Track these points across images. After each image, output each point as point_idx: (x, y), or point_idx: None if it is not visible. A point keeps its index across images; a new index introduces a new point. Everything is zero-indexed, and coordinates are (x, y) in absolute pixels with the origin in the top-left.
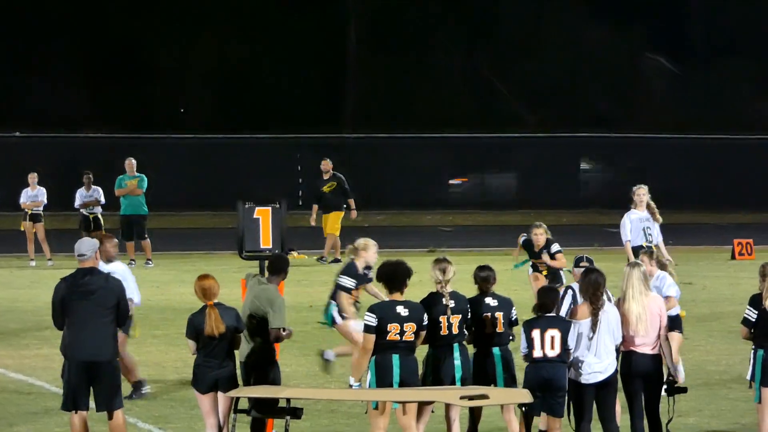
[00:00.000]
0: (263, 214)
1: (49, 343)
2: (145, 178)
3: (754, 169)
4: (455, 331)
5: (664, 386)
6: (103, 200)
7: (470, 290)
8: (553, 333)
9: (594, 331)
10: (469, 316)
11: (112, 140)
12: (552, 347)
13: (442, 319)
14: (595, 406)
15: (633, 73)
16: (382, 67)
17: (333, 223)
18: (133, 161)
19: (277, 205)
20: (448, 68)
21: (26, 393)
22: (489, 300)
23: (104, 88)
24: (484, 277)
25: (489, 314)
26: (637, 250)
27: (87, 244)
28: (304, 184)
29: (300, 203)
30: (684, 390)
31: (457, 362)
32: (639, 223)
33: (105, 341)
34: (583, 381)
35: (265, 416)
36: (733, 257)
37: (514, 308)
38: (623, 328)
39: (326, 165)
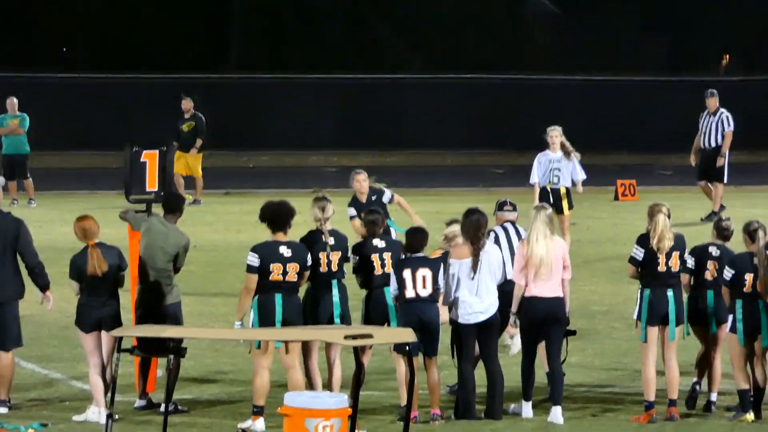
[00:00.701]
0: (150, 158)
1: None
2: (27, 117)
3: (637, 110)
4: (334, 268)
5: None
6: None
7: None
8: (424, 272)
9: (475, 272)
10: (349, 254)
11: None
12: (424, 286)
13: (322, 255)
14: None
15: (516, 16)
16: (265, 7)
17: (195, 164)
18: (15, 100)
19: (164, 148)
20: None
21: None
22: (376, 241)
23: None
24: (371, 221)
25: (377, 255)
26: (543, 192)
27: None
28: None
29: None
30: (573, 333)
31: (336, 299)
32: (548, 164)
33: (6, 282)
34: (463, 321)
35: (148, 355)
36: (616, 198)
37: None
38: (527, 271)
39: (187, 104)
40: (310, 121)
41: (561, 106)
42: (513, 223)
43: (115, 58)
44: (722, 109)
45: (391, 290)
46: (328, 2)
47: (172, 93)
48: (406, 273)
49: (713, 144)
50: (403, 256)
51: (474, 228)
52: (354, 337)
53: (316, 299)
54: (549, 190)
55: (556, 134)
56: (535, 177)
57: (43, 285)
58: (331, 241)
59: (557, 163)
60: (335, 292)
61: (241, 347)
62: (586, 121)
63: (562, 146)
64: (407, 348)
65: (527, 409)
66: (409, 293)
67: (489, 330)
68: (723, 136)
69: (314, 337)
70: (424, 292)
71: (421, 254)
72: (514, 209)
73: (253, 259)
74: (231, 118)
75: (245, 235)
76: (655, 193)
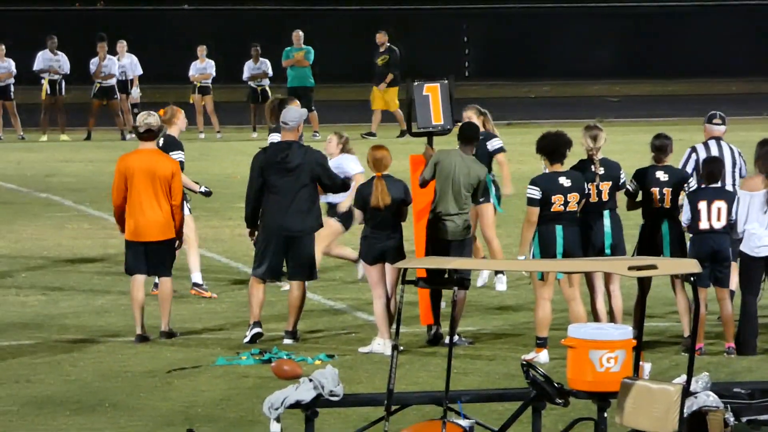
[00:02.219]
0: (432, 91)
1: (218, 216)
2: (312, 50)
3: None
4: (605, 198)
5: None
6: (270, 72)
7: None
8: (720, 204)
9: None
10: (621, 183)
11: (280, 12)
12: (719, 218)
13: (591, 186)
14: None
15: None
16: None
17: (391, 98)
18: (300, 33)
19: (446, 81)
20: None
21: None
22: (660, 174)
23: None
24: (658, 146)
25: (657, 189)
26: None
27: (293, 113)
28: (471, 55)
29: (466, 74)
30: None
31: (607, 229)
32: None
33: (303, 215)
34: (753, 254)
35: (433, 287)
36: None
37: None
38: None
39: (381, 38)
40: (590, 50)
41: None
42: (719, 139)
43: None
44: None
45: (683, 220)
46: None
47: (455, 23)
48: (702, 204)
49: None
50: (697, 186)
51: None
52: (638, 268)
53: (587, 229)
54: None
55: None
56: None
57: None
58: (601, 170)
59: None
60: (606, 222)
61: (525, 279)
62: None
63: None
64: (692, 279)
65: None
66: (704, 224)
67: None
68: None
69: (597, 269)
70: (719, 224)
71: (717, 185)
72: (723, 122)
73: (534, 192)
74: (509, 47)
75: (527, 167)
76: None
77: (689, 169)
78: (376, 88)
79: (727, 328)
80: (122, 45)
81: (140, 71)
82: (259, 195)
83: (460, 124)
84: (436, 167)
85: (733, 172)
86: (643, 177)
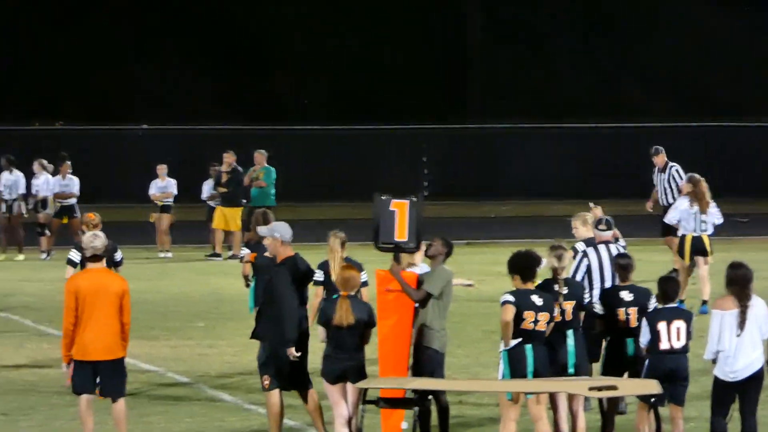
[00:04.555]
0: (400, 207)
1: (177, 335)
2: (272, 170)
3: None
4: (568, 317)
5: None
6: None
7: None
8: (679, 324)
9: (741, 329)
10: (585, 303)
11: (236, 132)
12: (678, 338)
13: (555, 305)
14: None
15: (756, 57)
16: (502, 57)
17: (233, 219)
18: (263, 153)
19: (414, 198)
20: (568, 56)
21: (158, 384)
22: (624, 294)
23: (227, 78)
24: (623, 265)
25: (623, 309)
26: None
27: (287, 228)
28: (430, 174)
29: (425, 194)
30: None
31: (571, 349)
32: None
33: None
34: (727, 380)
35: (393, 407)
36: None
37: (652, 299)
38: None
39: (229, 158)
40: (550, 170)
41: None
42: (607, 243)
43: (351, 108)
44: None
45: (642, 342)
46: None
47: (414, 143)
48: (661, 325)
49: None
50: (655, 306)
51: (742, 282)
52: (599, 389)
53: (551, 349)
54: None
55: None
56: None
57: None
58: (565, 290)
59: None
60: (570, 341)
61: (487, 398)
62: None
63: None
64: (652, 400)
65: None
66: (664, 345)
67: (752, 384)
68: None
69: (559, 389)
70: (678, 343)
71: (674, 304)
72: (609, 228)
73: (510, 298)
74: (469, 167)
75: (488, 287)
76: None
77: (579, 276)
78: (221, 207)
79: None
80: (40, 164)
81: (50, 192)
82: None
83: (427, 243)
84: (445, 286)
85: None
86: (610, 297)
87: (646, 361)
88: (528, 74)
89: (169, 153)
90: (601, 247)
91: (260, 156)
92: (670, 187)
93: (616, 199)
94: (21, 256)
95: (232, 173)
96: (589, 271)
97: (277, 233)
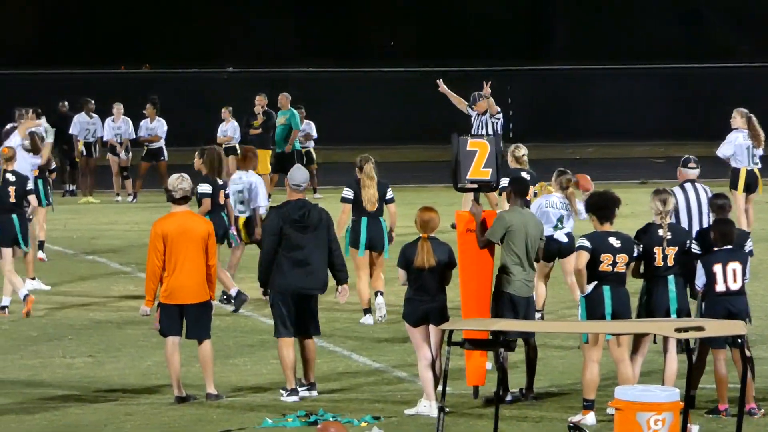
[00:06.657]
0: (479, 146)
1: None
2: (296, 114)
3: None
4: (670, 263)
5: None
6: (315, 134)
7: None
8: (735, 266)
9: None
10: (687, 248)
11: (317, 74)
12: (734, 280)
13: (657, 250)
14: None
15: None
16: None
17: (263, 162)
18: (287, 96)
19: (493, 136)
20: None
21: (244, 327)
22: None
23: (312, 21)
24: (720, 205)
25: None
26: None
27: (302, 175)
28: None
29: (510, 136)
30: None
31: (672, 294)
32: None
33: (320, 273)
34: None
35: (477, 348)
36: None
37: (749, 240)
38: None
39: (261, 100)
40: (634, 111)
41: None
42: (694, 181)
43: (434, 49)
44: None
45: (698, 285)
46: None
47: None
48: (717, 267)
49: None
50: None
51: None
52: (685, 330)
53: (651, 294)
54: None
55: None
56: None
57: (344, 279)
58: (669, 235)
59: None
60: (672, 287)
61: (571, 340)
62: None
63: None
64: (740, 341)
65: None
66: (720, 287)
67: None
68: None
69: (645, 330)
70: (735, 285)
71: (730, 246)
72: (697, 166)
73: (586, 243)
74: (553, 108)
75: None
76: None
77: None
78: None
79: (749, 390)
80: (119, 108)
81: (133, 135)
82: (276, 254)
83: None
84: (508, 230)
85: (709, 213)
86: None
87: (702, 304)
88: (614, 14)
89: (254, 96)
90: (688, 186)
91: (284, 99)
92: None
93: (702, 140)
94: (92, 198)
95: (265, 115)
96: (676, 210)
97: (288, 177)
